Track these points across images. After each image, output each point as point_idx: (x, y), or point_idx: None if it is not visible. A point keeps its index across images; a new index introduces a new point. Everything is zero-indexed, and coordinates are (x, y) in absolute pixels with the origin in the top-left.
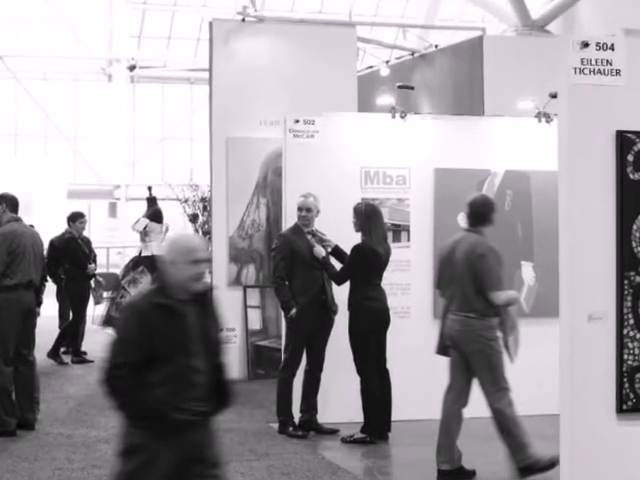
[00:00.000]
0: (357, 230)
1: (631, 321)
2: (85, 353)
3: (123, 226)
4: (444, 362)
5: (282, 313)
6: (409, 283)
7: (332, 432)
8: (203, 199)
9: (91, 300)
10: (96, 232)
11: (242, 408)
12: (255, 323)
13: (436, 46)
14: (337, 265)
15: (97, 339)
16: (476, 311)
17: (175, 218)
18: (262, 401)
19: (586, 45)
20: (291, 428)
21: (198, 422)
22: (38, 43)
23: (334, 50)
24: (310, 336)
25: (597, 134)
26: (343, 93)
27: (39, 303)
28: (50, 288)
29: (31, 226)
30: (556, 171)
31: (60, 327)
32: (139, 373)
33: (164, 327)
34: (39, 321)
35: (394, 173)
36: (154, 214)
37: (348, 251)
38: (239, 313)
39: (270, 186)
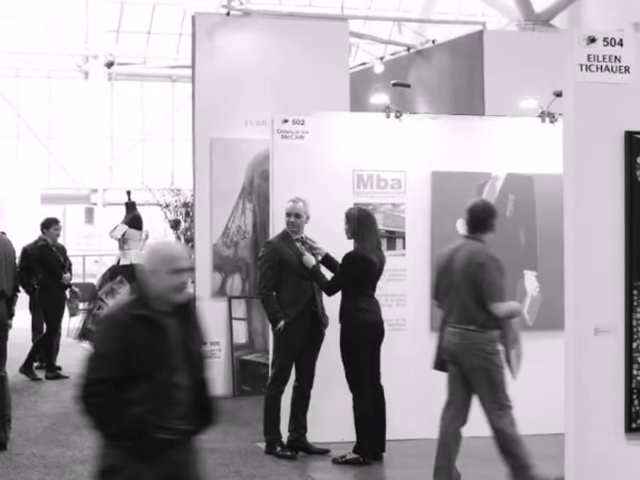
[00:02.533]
0: (349, 237)
1: None
2: (60, 368)
3: (100, 233)
4: (442, 378)
5: (269, 326)
6: (405, 294)
7: (323, 452)
8: (185, 204)
9: (66, 312)
10: (72, 239)
11: (227, 427)
12: (241, 336)
13: (433, 41)
14: (328, 274)
15: (72, 353)
16: (476, 323)
17: (156, 224)
18: (248, 419)
19: (593, 40)
20: (279, 448)
21: (180, 441)
22: (9, 38)
23: (325, 46)
24: (299, 350)
25: (604, 135)
26: (334, 91)
27: (11, 315)
28: (23, 299)
29: (2, 233)
30: (561, 174)
31: (33, 340)
32: (117, 390)
33: (144, 341)
34: (11, 334)
35: (389, 176)
36: (133, 220)
37: (339, 259)
38: (224, 326)
39: (257, 190)
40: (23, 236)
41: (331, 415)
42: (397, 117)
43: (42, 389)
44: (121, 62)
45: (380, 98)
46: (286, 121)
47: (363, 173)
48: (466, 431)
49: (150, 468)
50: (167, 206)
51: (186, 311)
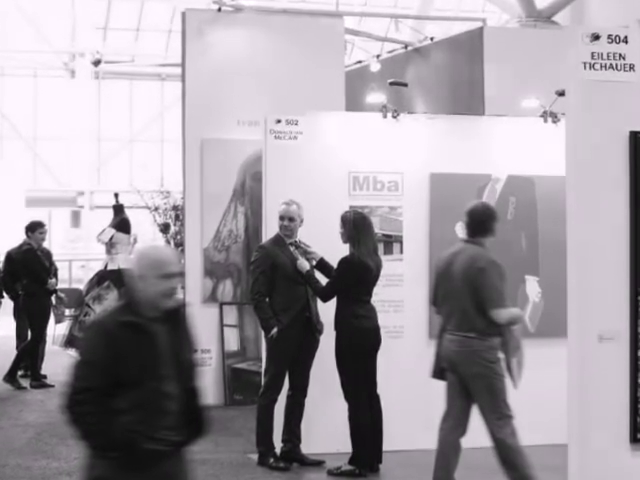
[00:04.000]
0: (345, 241)
1: None
2: (45, 377)
3: (87, 237)
4: (440, 386)
5: (262, 333)
6: (402, 299)
7: (317, 464)
8: (175, 207)
9: (52, 318)
10: (57, 243)
11: (218, 437)
12: (232, 344)
13: (432, 39)
14: (323, 280)
15: (58, 361)
16: (476, 330)
17: (144, 228)
18: (240, 429)
19: (597, 37)
20: (272, 459)
21: (170, 452)
22: None
23: (320, 43)
24: (293, 358)
25: (609, 135)
26: (329, 90)
27: None
28: (7, 305)
29: None
30: (563, 176)
31: (18, 348)
32: (105, 399)
33: (132, 348)
34: None
35: (385, 178)
36: (121, 224)
37: (334, 264)
38: (215, 333)
39: (249, 193)
40: (7, 240)
41: (326, 425)
42: (394, 117)
43: (27, 398)
44: (108, 60)
45: (376, 97)
46: (279, 121)
47: (359, 175)
48: (465, 441)
49: None
50: (156, 209)
51: (176, 318)
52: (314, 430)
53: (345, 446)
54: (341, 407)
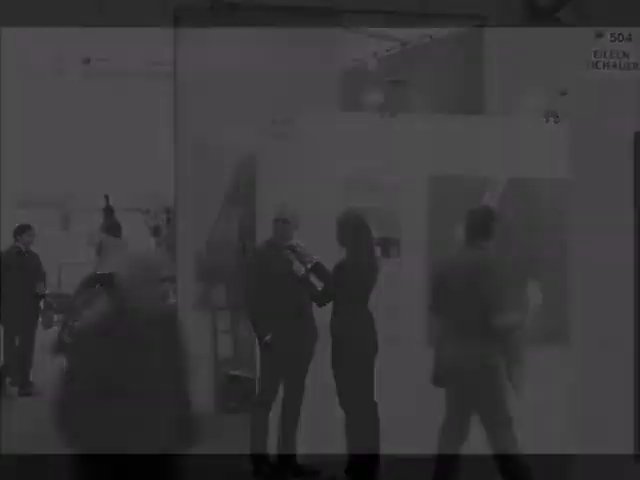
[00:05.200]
0: (341, 244)
1: None
2: (33, 384)
3: (77, 240)
4: (440, 393)
5: (256, 338)
6: (400, 304)
7: (313, 473)
8: (167, 210)
9: (40, 324)
10: (46, 246)
11: (211, 445)
12: (226, 350)
13: (430, 36)
14: (318, 284)
15: (47, 368)
16: (476, 336)
17: (135, 231)
18: (234, 437)
19: (600, 35)
20: (267, 468)
21: (162, 461)
22: None
23: (315, 41)
24: (287, 364)
25: (613, 136)
26: (326, 89)
27: None
28: None
29: None
30: (566, 178)
31: (5, 354)
32: (94, 405)
33: (122, 353)
34: None
35: (383, 180)
36: (111, 227)
37: (331, 268)
38: (207, 339)
39: (242, 195)
40: None
41: (322, 433)
42: (392, 116)
43: (15, 406)
44: (98, 58)
45: (374, 96)
46: (274, 121)
47: (356, 176)
48: (465, 449)
49: None
50: (147, 212)
51: (167, 323)
52: (310, 438)
53: (342, 455)
54: (337, 414)
